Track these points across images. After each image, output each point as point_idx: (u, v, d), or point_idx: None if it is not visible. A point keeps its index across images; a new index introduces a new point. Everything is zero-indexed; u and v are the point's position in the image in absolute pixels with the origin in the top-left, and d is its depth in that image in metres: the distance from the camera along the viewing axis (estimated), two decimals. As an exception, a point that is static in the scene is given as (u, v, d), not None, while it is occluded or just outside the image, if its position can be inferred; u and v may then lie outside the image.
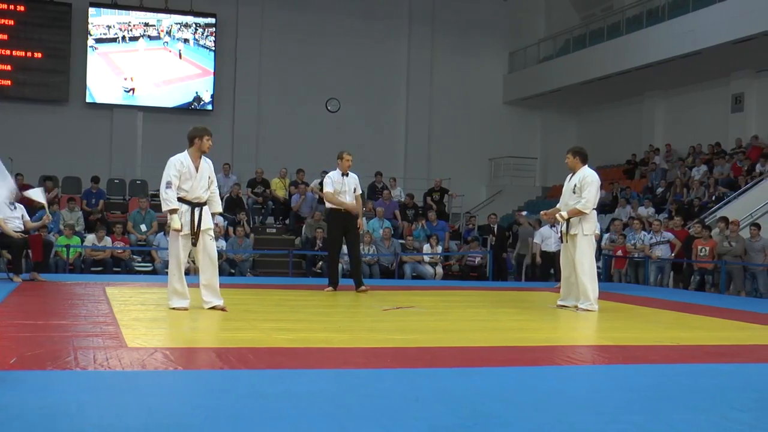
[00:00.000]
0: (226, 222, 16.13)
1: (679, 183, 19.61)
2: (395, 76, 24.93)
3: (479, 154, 25.58)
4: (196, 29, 22.87)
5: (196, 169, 7.74)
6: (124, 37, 22.31)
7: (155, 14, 22.58)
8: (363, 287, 10.63)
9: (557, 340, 6.86)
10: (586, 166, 9.26)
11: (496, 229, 17.89)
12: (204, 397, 3.96)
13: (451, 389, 4.30)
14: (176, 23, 22.74)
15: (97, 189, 18.09)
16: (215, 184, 8.05)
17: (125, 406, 3.61)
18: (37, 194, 11.06)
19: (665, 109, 23.67)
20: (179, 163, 7.67)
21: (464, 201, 22.78)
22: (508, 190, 24.96)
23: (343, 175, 10.70)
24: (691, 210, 17.72)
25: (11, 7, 21.25)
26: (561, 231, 9.49)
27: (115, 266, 14.98)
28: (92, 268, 14.70)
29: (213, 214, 7.99)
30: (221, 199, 9.21)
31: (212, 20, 22.92)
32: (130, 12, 22.40)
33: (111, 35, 22.17)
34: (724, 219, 14.79)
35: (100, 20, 22.07)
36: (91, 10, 21.94)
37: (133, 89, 22.41)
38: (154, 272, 15.20)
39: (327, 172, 19.41)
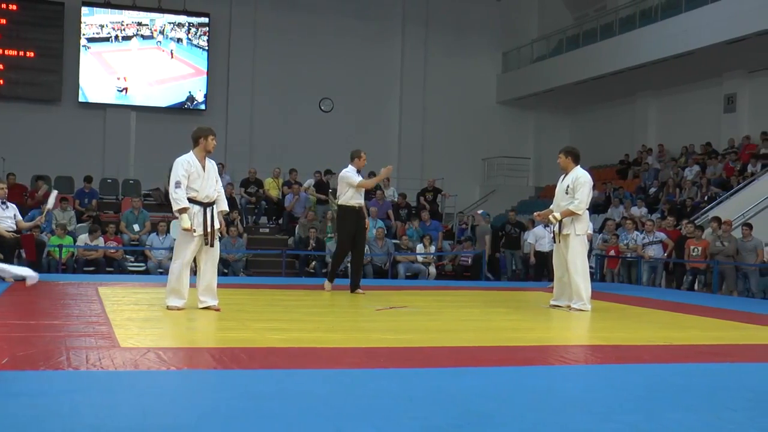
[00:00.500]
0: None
1: (671, 183, 19.64)
2: (389, 76, 24.93)
3: (472, 154, 25.59)
4: (190, 29, 22.84)
5: (203, 168, 7.75)
6: (117, 37, 22.27)
7: (148, 13, 22.54)
8: (360, 290, 10.47)
9: (550, 340, 6.87)
10: (579, 166, 9.27)
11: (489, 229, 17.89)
12: (197, 397, 3.96)
13: (445, 389, 4.30)
14: (169, 23, 22.70)
15: (89, 189, 18.05)
16: (220, 183, 8.08)
17: (118, 406, 3.61)
18: (52, 199, 11.07)
19: (658, 109, 23.72)
20: (187, 163, 7.70)
21: (457, 201, 22.79)
22: (501, 190, 24.97)
23: (358, 172, 10.55)
24: (683, 210, 17.75)
25: (3, 6, 21.18)
26: (554, 231, 9.50)
27: (107, 266, 14.95)
28: (85, 268, 14.67)
29: (220, 212, 7.99)
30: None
31: (205, 20, 22.89)
32: (123, 11, 22.36)
33: (104, 34, 22.12)
34: (717, 219, 14.83)
35: (92, 19, 22.02)
36: (84, 10, 21.89)
37: (126, 89, 22.37)
38: (146, 272, 15.17)
39: (320, 173, 19.75)
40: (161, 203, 18.77)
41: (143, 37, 22.51)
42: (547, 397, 4.21)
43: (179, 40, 22.79)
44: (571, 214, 9.01)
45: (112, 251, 15.15)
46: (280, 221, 18.92)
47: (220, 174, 8.81)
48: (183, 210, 7.59)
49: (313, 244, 16.39)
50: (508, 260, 17.62)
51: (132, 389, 4.03)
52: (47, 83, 21.64)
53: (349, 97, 24.29)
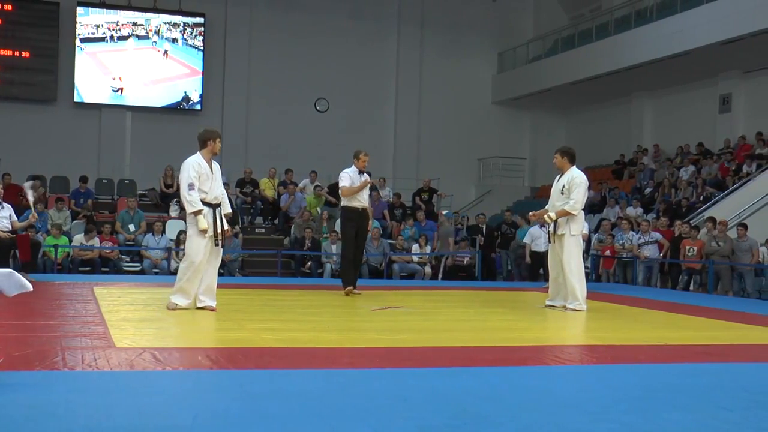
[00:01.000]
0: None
1: (667, 183, 19.67)
2: (384, 77, 24.93)
3: (468, 154, 25.60)
4: (185, 29, 22.82)
5: (211, 170, 7.79)
6: (112, 37, 22.23)
7: (143, 14, 22.51)
8: (356, 291, 10.28)
9: (546, 340, 6.88)
10: (575, 166, 9.28)
11: (484, 229, 17.90)
12: (192, 398, 3.96)
13: (440, 389, 4.31)
14: (165, 23, 22.67)
15: (85, 189, 18.02)
16: (222, 186, 8.10)
17: (113, 406, 3.61)
18: (29, 190, 11.02)
19: (653, 109, 23.76)
20: (197, 164, 7.71)
21: (453, 201, 22.79)
22: (497, 190, 24.99)
23: (360, 173, 10.31)
24: (678, 210, 17.78)
25: (-1, 6, 21.17)
26: (549, 231, 9.51)
27: (103, 266, 14.93)
28: (80, 268, 14.65)
29: (225, 215, 8.02)
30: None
31: (201, 20, 22.87)
32: (118, 11, 22.32)
33: (99, 35, 22.09)
34: (712, 219, 14.85)
35: (88, 20, 21.98)
36: (79, 10, 21.85)
37: (121, 89, 22.34)
38: (141, 272, 15.16)
39: (316, 173, 19.73)
40: (157, 203, 18.75)
41: (138, 37, 22.48)
42: (542, 397, 4.22)
43: (174, 40, 22.77)
44: (567, 214, 9.02)
45: (108, 251, 15.13)
46: (276, 221, 18.90)
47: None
48: (198, 212, 7.59)
49: (309, 245, 16.39)
50: (504, 260, 17.63)
51: (127, 389, 4.03)
52: (42, 83, 21.60)
53: (345, 97, 24.28)
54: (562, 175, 9.27)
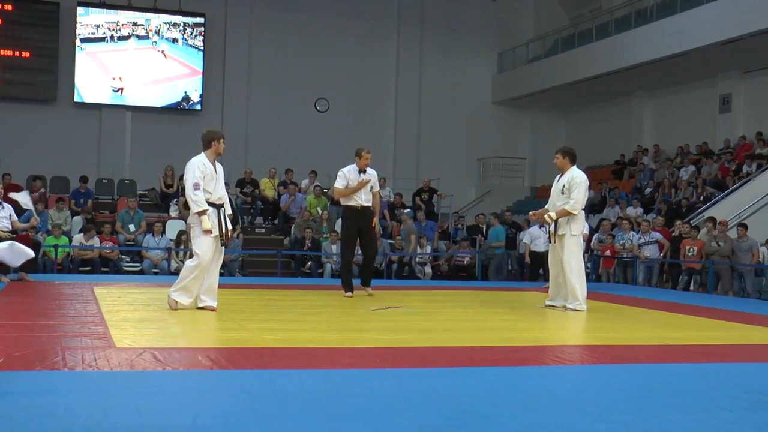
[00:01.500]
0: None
1: (667, 183, 19.67)
2: (384, 76, 24.93)
3: (468, 154, 25.60)
4: (185, 29, 22.82)
5: (215, 170, 7.80)
6: (112, 37, 22.24)
7: (143, 14, 22.52)
8: (369, 289, 10.20)
9: (546, 340, 6.88)
10: (575, 166, 9.28)
11: (485, 229, 17.91)
12: (192, 398, 3.96)
13: (440, 389, 4.31)
14: (165, 23, 22.68)
15: (85, 189, 18.02)
16: (224, 186, 8.11)
17: (113, 406, 3.61)
18: (23, 197, 11.03)
19: (653, 109, 23.76)
20: (202, 165, 7.72)
21: (453, 201, 22.79)
22: (497, 190, 24.99)
23: (360, 171, 10.09)
24: (679, 210, 17.78)
25: (-1, 6, 21.18)
26: (549, 231, 9.50)
27: (103, 266, 14.93)
28: (80, 268, 14.65)
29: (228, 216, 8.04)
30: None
31: (201, 20, 22.87)
32: (119, 11, 22.32)
33: (99, 35, 22.09)
34: (712, 219, 14.85)
35: (88, 20, 21.98)
36: (80, 10, 21.86)
37: (121, 89, 22.35)
38: (141, 272, 15.16)
39: (316, 173, 19.73)
40: (157, 203, 18.76)
41: (138, 37, 22.48)
42: (542, 397, 4.22)
43: (175, 40, 22.77)
44: (567, 214, 9.02)
45: (108, 251, 15.13)
46: (276, 221, 18.90)
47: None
48: (203, 212, 7.60)
49: (309, 245, 16.39)
50: (504, 260, 17.63)
51: (128, 389, 4.03)
52: (42, 83, 21.61)
53: (345, 97, 24.29)
54: (562, 174, 9.26)
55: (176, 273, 8.00)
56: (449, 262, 17.78)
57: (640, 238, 15.47)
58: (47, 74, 21.66)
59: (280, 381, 4.41)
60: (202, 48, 22.89)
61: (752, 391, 4.59)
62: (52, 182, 19.28)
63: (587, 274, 10.81)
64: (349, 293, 9.96)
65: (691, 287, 14.62)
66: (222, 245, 7.81)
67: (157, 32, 22.62)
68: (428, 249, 17.16)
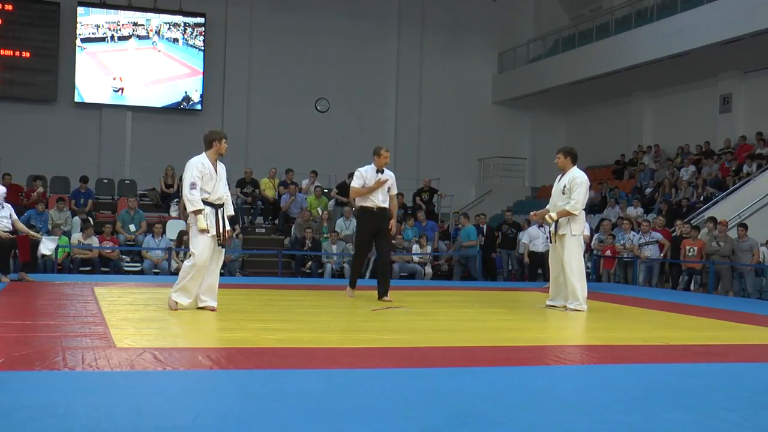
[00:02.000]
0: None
1: (667, 183, 19.66)
2: (384, 76, 24.93)
3: (468, 154, 25.60)
4: (186, 29, 22.82)
5: (216, 170, 7.80)
6: (113, 37, 22.24)
7: (144, 14, 22.52)
8: (387, 297, 9.54)
9: (546, 340, 6.88)
10: (576, 166, 9.28)
11: (485, 229, 17.91)
12: (193, 398, 3.96)
13: (440, 389, 4.31)
14: (165, 23, 22.68)
15: (85, 189, 18.02)
16: (227, 187, 8.10)
17: (114, 406, 3.61)
18: (50, 244, 11.29)
19: (654, 109, 23.76)
20: (201, 165, 7.71)
21: (453, 201, 22.78)
22: (497, 190, 24.99)
23: (378, 171, 9.68)
24: (679, 210, 17.78)
25: (-1, 6, 21.18)
26: (550, 231, 9.50)
27: (103, 266, 14.93)
28: (81, 269, 14.65)
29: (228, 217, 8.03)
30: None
31: (201, 20, 22.88)
32: (119, 11, 22.33)
33: (100, 35, 22.09)
34: (713, 219, 14.84)
35: (88, 20, 21.99)
36: (80, 10, 21.86)
37: (121, 89, 22.35)
38: (141, 272, 15.16)
39: (316, 173, 19.73)
40: (157, 203, 18.76)
41: (139, 37, 22.49)
42: (542, 398, 4.21)
43: (175, 40, 22.78)
44: (568, 214, 9.02)
45: (108, 251, 15.13)
46: (276, 221, 18.90)
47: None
48: (199, 211, 7.60)
49: (309, 245, 16.39)
50: (504, 260, 17.64)
51: (128, 390, 4.03)
52: (43, 83, 21.61)
53: (345, 97, 24.29)
54: (563, 175, 9.26)
55: (176, 273, 8.00)
56: (449, 262, 17.78)
57: (640, 238, 15.46)
58: (47, 74, 21.66)
59: (281, 381, 4.41)
60: (203, 48, 22.90)
61: (753, 391, 4.59)
62: (53, 182, 19.28)
63: (587, 275, 10.81)
64: (352, 294, 9.88)
65: (692, 287, 14.61)
66: (219, 245, 7.80)
67: (158, 32, 22.63)
68: (428, 249, 17.15)
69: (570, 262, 9.01)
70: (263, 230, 18.91)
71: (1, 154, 19.56)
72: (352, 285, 10.06)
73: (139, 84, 22.53)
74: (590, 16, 24.59)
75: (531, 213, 10.46)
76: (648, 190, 20.31)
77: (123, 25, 22.37)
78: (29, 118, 21.49)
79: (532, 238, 15.55)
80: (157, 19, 22.62)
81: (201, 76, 22.92)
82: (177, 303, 7.64)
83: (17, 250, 11.20)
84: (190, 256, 7.78)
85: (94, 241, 14.96)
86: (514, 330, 7.32)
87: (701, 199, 18.08)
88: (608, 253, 15.96)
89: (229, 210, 8.05)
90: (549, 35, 25.35)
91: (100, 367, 4.55)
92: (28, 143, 21.06)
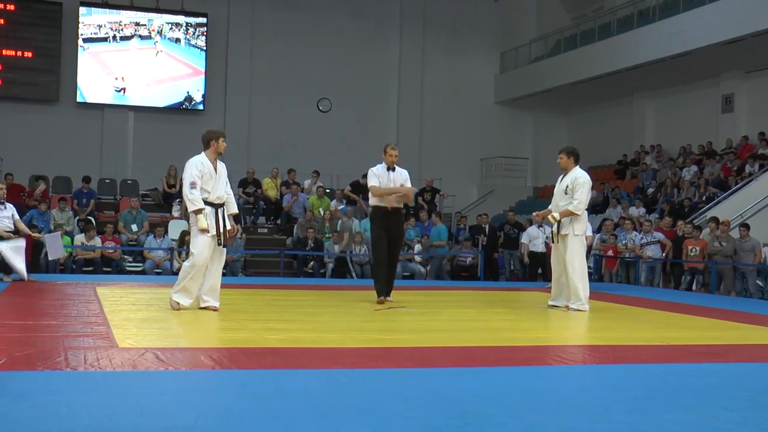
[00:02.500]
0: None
1: (669, 183, 19.66)
2: (386, 76, 24.94)
3: (470, 155, 25.61)
4: (188, 29, 22.84)
5: (215, 170, 7.80)
6: (115, 37, 22.26)
7: (146, 14, 22.54)
8: (389, 298, 9.31)
9: (548, 340, 6.88)
10: (578, 166, 9.27)
11: (487, 229, 17.90)
12: (195, 397, 3.96)
13: (442, 389, 4.31)
14: (167, 23, 22.70)
15: (88, 189, 18.03)
16: (229, 185, 8.10)
17: (116, 406, 3.61)
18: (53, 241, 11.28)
19: (655, 109, 23.75)
20: (200, 164, 7.72)
21: (455, 201, 22.79)
22: (499, 190, 24.98)
23: (388, 169, 9.45)
24: (681, 210, 17.77)
25: (1, 5, 21.17)
26: (552, 232, 9.50)
27: (105, 266, 14.94)
28: (83, 269, 14.66)
29: (230, 215, 8.02)
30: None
31: (203, 20, 22.89)
32: (121, 11, 22.35)
33: (102, 35, 22.11)
34: (715, 219, 14.84)
35: (90, 20, 22.01)
36: (82, 10, 21.88)
37: (124, 89, 22.37)
38: (143, 273, 15.16)
39: (318, 173, 19.74)
40: (159, 203, 18.78)
41: (141, 37, 22.51)
42: (544, 398, 4.21)
43: (177, 40, 22.79)
44: (570, 214, 9.02)
45: (110, 251, 15.14)
46: (278, 221, 18.91)
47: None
48: (199, 211, 7.60)
49: (312, 245, 16.40)
50: (506, 260, 17.64)
51: (130, 389, 4.03)
52: (45, 83, 21.63)
53: (347, 97, 24.30)
54: (565, 175, 9.26)
55: (179, 273, 7.98)
56: (451, 262, 17.78)
57: (642, 238, 15.45)
58: (50, 74, 21.68)
59: (283, 381, 4.41)
60: (205, 48, 22.91)
61: (754, 391, 4.59)
62: (55, 182, 19.29)
63: (589, 275, 10.81)
64: (381, 298, 9.24)
65: (694, 287, 14.60)
66: (220, 245, 7.80)
67: (160, 32, 22.64)
68: (430, 249, 17.16)
69: (572, 262, 9.00)
70: (265, 230, 18.92)
71: (3, 154, 19.59)
72: (380, 293, 9.30)
73: (141, 84, 22.54)
74: (592, 16, 24.58)
75: (533, 213, 10.45)
76: (650, 190, 20.31)
77: (125, 25, 22.39)
78: (31, 118, 21.51)
79: (532, 238, 15.55)
80: (159, 19, 22.64)
81: (203, 76, 22.93)
82: (178, 303, 7.65)
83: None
84: (189, 255, 7.79)
85: (97, 241, 14.97)
86: (515, 330, 7.32)
87: (703, 199, 18.06)
88: (610, 253, 15.95)
89: (232, 209, 8.05)
90: (551, 35, 25.34)
91: (102, 367, 4.55)
92: (30, 143, 21.08)
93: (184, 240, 14.98)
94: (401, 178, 9.50)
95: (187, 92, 22.86)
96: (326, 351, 5.52)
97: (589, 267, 12.61)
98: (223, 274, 8.26)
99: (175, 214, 17.57)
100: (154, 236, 15.42)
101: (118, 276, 14.12)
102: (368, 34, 24.65)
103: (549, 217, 9.27)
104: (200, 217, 7.61)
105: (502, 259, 17.75)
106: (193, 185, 7.64)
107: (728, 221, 14.83)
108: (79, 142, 21.78)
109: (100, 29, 22.11)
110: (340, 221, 17.23)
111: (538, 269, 15.73)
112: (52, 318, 6.86)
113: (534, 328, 7.49)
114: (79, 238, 14.95)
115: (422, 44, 25.32)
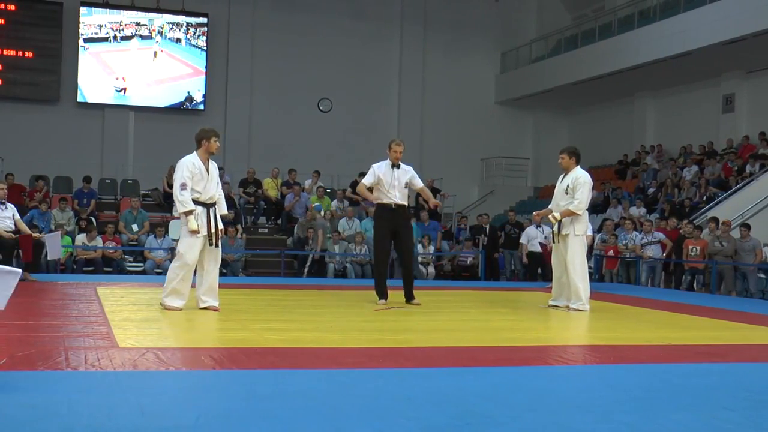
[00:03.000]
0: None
1: (670, 183, 19.65)
2: (387, 76, 24.94)
3: (471, 154, 25.61)
4: (188, 29, 22.84)
5: (207, 170, 7.77)
6: (115, 37, 22.26)
7: (147, 14, 22.54)
8: (415, 300, 9.13)
9: (548, 340, 6.88)
10: (579, 166, 9.27)
11: (488, 229, 17.90)
12: (195, 397, 3.96)
13: (443, 389, 4.31)
14: (168, 23, 22.70)
15: (88, 189, 18.03)
16: (220, 185, 8.08)
17: (116, 406, 3.61)
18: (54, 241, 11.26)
19: (656, 109, 23.74)
20: (191, 164, 7.71)
21: (456, 201, 22.79)
22: (499, 190, 24.99)
23: (393, 166, 9.18)
24: (682, 210, 17.77)
25: (1, 6, 21.17)
26: (552, 232, 9.50)
27: (106, 266, 14.94)
28: (84, 269, 14.66)
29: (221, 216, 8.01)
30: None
31: (204, 20, 22.89)
32: (122, 11, 22.35)
33: (102, 35, 22.11)
34: (715, 219, 14.83)
35: (91, 20, 22.01)
36: (83, 10, 21.89)
37: (124, 89, 22.37)
38: (144, 273, 15.16)
39: (319, 173, 19.73)
40: (160, 203, 18.77)
41: (142, 37, 22.51)
42: (545, 397, 4.21)
43: (178, 40, 22.79)
44: (571, 214, 9.01)
45: (111, 251, 15.14)
46: (279, 221, 18.91)
47: (220, 177, 8.76)
48: (189, 212, 7.59)
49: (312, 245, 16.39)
50: (507, 260, 17.64)
51: (130, 389, 4.03)
52: (46, 83, 21.64)
53: (348, 97, 24.30)
54: (566, 174, 9.25)
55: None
56: (452, 262, 17.78)
57: (642, 238, 15.45)
58: (50, 74, 21.68)
59: (283, 381, 4.41)
60: (205, 48, 22.90)
61: (755, 391, 4.59)
62: (55, 182, 19.29)
63: (590, 275, 10.80)
64: (383, 301, 9.01)
65: (694, 287, 14.60)
66: (211, 245, 7.77)
67: (160, 32, 22.64)
68: (431, 249, 17.15)
69: (573, 262, 9.00)
70: (266, 230, 18.92)
71: (3, 154, 19.58)
72: (381, 295, 9.13)
73: (142, 84, 22.54)
74: (593, 16, 24.58)
75: (534, 213, 10.44)
76: (651, 190, 20.30)
77: (126, 25, 22.39)
78: (32, 118, 21.51)
79: (531, 238, 15.55)
80: (159, 19, 22.64)
81: (203, 76, 22.93)
82: (173, 307, 7.61)
83: (20, 250, 11.20)
84: (176, 255, 7.78)
85: (98, 241, 14.97)
86: (516, 330, 7.32)
87: (704, 199, 18.06)
88: (611, 253, 15.95)
89: (222, 209, 8.01)
90: (552, 35, 25.34)
91: (103, 367, 4.55)
92: (31, 143, 21.08)
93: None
94: (406, 176, 9.29)
95: (188, 92, 22.86)
96: (327, 351, 5.51)
97: (589, 267, 12.59)
98: (224, 274, 8.28)
99: (176, 214, 17.53)
100: (155, 236, 15.42)
101: (118, 276, 14.12)
102: (369, 34, 24.65)
103: (550, 217, 9.27)
104: (190, 218, 7.60)
105: (502, 259, 17.76)
106: (183, 186, 7.63)
107: (729, 221, 14.83)
108: (79, 142, 21.77)
109: (100, 29, 22.11)
110: (314, 221, 17.15)
111: (536, 269, 15.72)
112: (52, 318, 6.86)
113: (535, 328, 7.49)
114: (81, 238, 14.95)
115: (423, 44, 25.32)
